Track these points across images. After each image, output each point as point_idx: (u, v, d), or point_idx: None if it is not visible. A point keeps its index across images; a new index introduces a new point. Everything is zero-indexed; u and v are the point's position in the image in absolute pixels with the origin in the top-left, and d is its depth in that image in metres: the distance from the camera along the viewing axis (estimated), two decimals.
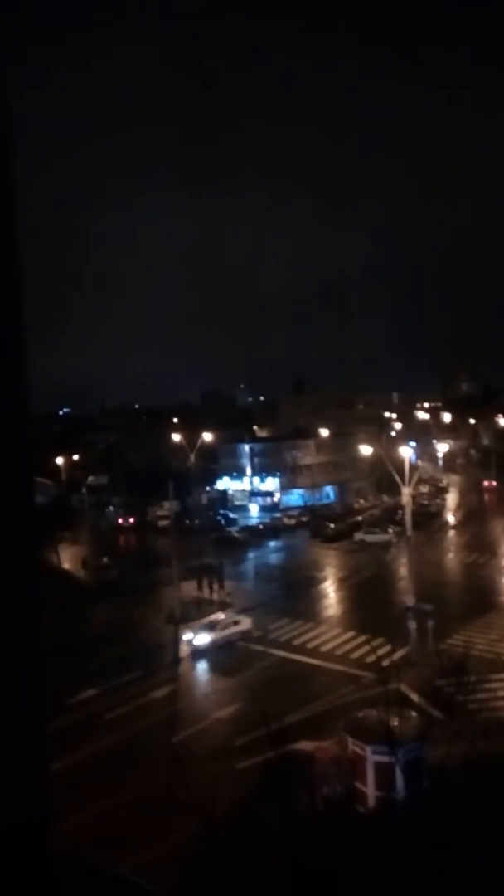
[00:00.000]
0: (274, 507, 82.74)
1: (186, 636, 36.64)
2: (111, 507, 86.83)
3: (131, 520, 79.74)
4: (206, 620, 38.47)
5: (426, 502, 78.47)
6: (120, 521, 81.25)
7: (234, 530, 68.96)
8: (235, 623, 37.51)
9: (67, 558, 58.90)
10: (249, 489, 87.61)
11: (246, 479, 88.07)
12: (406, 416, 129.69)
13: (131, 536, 73.48)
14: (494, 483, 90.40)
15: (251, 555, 61.02)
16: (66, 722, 27.06)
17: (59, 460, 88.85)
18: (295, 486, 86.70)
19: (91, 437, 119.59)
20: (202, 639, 35.86)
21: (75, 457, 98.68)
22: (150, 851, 19.23)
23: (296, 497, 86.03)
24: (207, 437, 69.34)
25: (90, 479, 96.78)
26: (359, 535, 63.30)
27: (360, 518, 72.52)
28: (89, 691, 31.17)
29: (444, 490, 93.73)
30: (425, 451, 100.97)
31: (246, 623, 37.85)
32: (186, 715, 28.90)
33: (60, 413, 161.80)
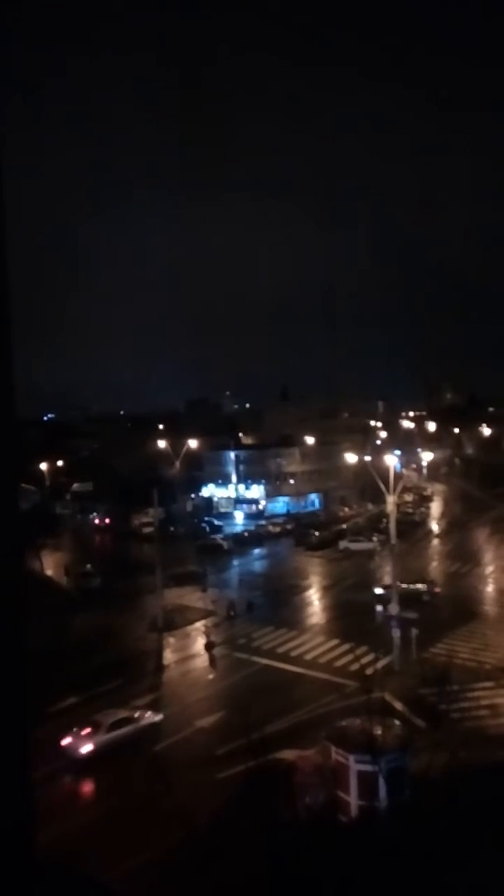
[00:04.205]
0: (259, 515, 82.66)
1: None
2: (95, 514, 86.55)
3: (107, 521, 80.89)
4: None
5: (410, 511, 78.74)
6: (97, 522, 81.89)
7: (218, 538, 68.81)
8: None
9: (50, 565, 58.51)
10: (234, 497, 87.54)
11: (231, 487, 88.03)
12: (391, 425, 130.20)
13: (108, 538, 73.02)
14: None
15: (235, 562, 60.89)
16: (46, 730, 26.80)
17: (43, 466, 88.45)
18: (280, 494, 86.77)
19: (75, 443, 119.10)
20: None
21: (59, 463, 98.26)
22: (132, 861, 19.07)
23: (281, 505, 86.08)
24: (193, 444, 69.24)
25: (74, 485, 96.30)
26: (343, 544, 63.37)
27: (344, 526, 72.64)
28: (71, 699, 30.92)
29: (429, 499, 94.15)
30: (410, 460, 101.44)
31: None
32: (169, 723, 28.72)
33: (45, 419, 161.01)
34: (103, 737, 25.84)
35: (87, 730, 26.15)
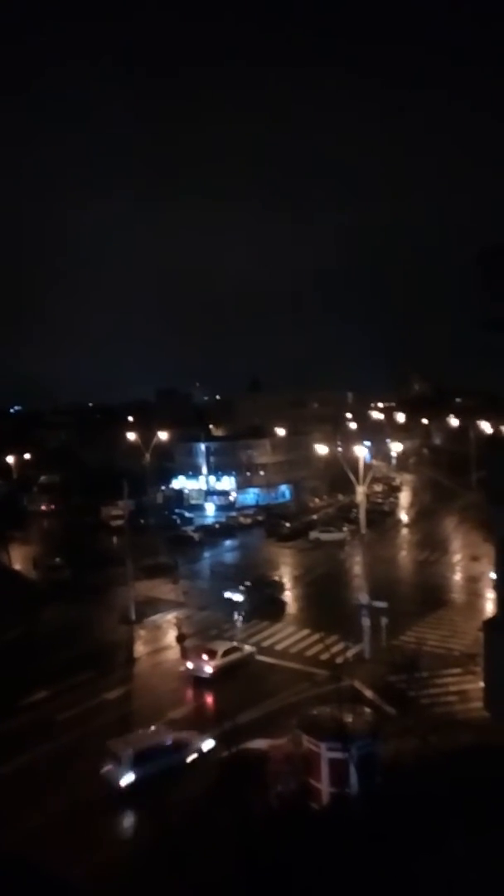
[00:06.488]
0: (230, 506, 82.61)
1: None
2: (49, 502, 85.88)
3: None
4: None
5: (380, 501, 79.28)
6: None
7: (189, 529, 68.60)
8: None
9: (18, 558, 57.80)
10: (205, 488, 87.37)
11: (202, 478, 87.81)
12: (361, 416, 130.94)
13: (78, 530, 72.07)
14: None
15: (207, 554, 60.81)
16: (16, 724, 26.58)
17: (11, 459, 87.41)
18: (251, 485, 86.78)
19: (43, 434, 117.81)
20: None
21: (27, 455, 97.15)
22: (102, 855, 19.01)
23: (251, 496, 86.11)
24: (163, 435, 68.86)
25: (42, 477, 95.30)
26: (314, 534, 63.57)
27: (314, 517, 72.91)
28: (41, 693, 30.65)
29: (398, 489, 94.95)
30: (379, 451, 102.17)
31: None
32: (140, 716, 28.61)
33: (12, 410, 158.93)
34: (219, 661, 32.38)
35: (205, 656, 32.56)
